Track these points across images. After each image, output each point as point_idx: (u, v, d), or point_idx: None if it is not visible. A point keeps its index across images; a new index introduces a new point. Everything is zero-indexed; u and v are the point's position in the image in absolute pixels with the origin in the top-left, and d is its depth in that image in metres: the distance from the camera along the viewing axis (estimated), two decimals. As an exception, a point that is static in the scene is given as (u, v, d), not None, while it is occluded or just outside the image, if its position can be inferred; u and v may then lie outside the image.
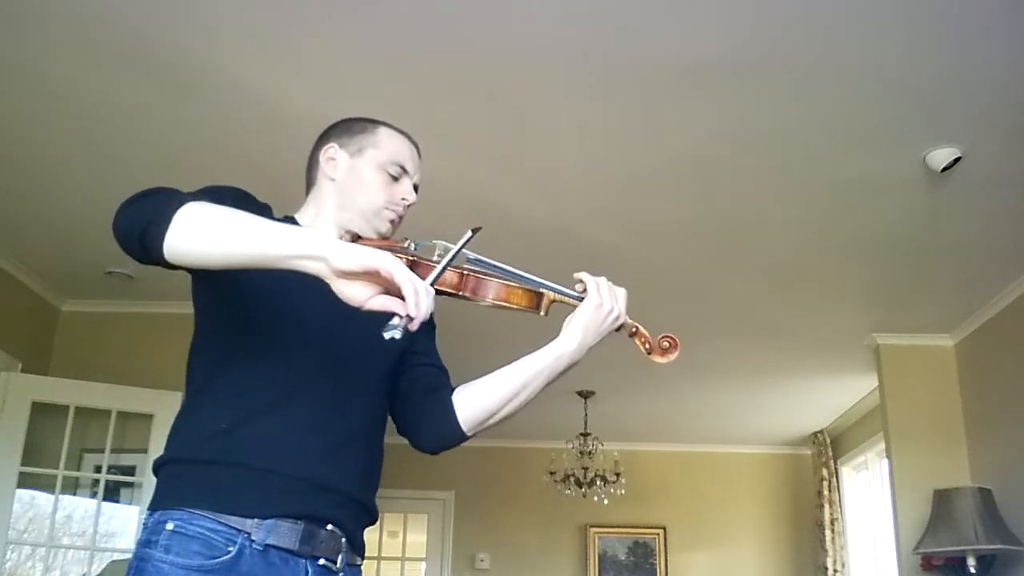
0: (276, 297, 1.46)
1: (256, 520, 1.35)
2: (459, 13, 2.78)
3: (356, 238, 1.53)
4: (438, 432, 1.59)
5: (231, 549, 1.32)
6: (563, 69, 3.03)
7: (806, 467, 7.64)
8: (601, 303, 1.54)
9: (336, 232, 1.59)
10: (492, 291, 1.50)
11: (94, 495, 4.71)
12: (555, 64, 3.00)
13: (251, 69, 3.06)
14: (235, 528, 1.33)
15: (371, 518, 1.53)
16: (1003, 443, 4.68)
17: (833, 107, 3.18)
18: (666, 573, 7.49)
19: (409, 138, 1.69)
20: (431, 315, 1.68)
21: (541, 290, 1.53)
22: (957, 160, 3.40)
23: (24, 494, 4.62)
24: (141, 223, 1.26)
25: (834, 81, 3.04)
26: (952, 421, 5.10)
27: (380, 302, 1.21)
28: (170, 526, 1.33)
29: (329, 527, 1.41)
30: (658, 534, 7.59)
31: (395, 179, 1.62)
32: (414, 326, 1.20)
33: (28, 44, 2.94)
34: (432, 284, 1.30)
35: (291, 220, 1.61)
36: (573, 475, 6.72)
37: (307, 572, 1.38)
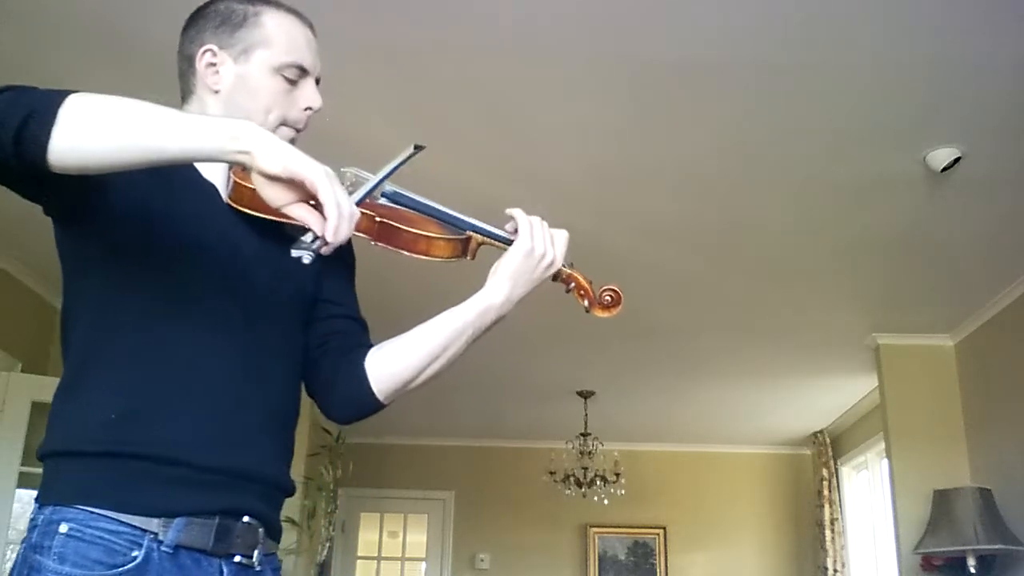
0: (164, 246, 1.24)
1: (163, 519, 1.16)
2: (459, 12, 2.78)
3: None
4: (350, 402, 1.39)
5: (136, 554, 1.13)
6: (563, 69, 3.03)
7: (806, 467, 7.64)
8: (532, 249, 1.35)
9: None
10: (409, 243, 1.33)
11: (94, 495, 4.71)
12: (555, 64, 3.00)
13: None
14: (139, 528, 1.14)
15: (287, 494, 1.35)
16: (1003, 443, 4.68)
17: (833, 107, 3.18)
18: (666, 573, 7.50)
19: (300, 17, 1.39)
20: (350, 254, 1.48)
21: (468, 233, 1.37)
22: (957, 160, 3.40)
23: (24, 494, 4.61)
24: (17, 115, 1.00)
25: (834, 81, 3.04)
26: (952, 421, 5.10)
27: (299, 212, 1.07)
28: (64, 528, 1.13)
29: (246, 519, 1.23)
30: (658, 534, 7.59)
31: (294, 82, 1.34)
32: (327, 250, 1.07)
33: (33, 43, 2.95)
34: (359, 204, 1.18)
35: None
36: (573, 475, 6.72)
37: (222, 572, 1.21)
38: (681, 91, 3.12)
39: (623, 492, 6.77)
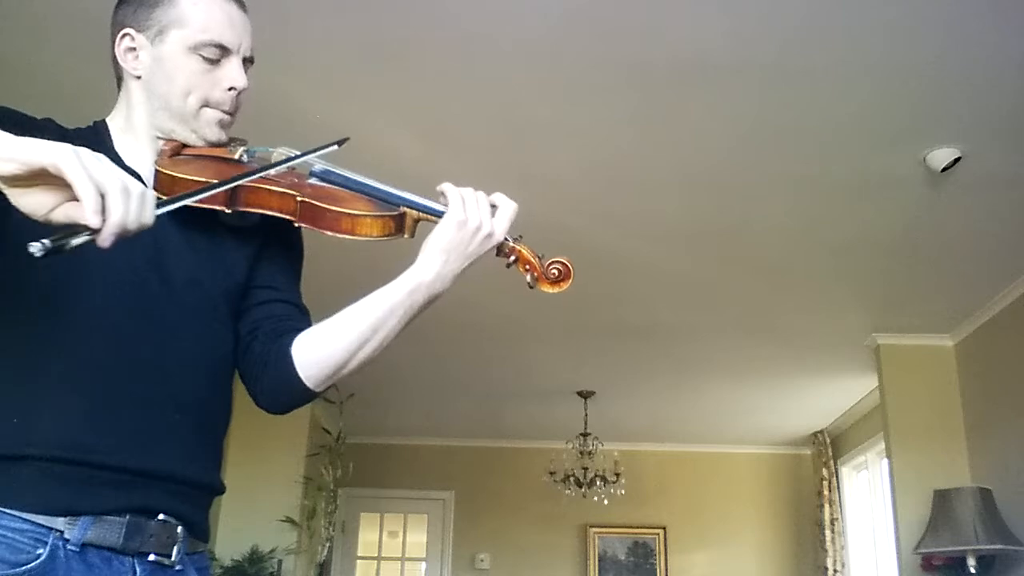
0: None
1: (69, 518, 1.11)
2: (459, 12, 2.78)
3: (180, 149, 1.25)
4: (277, 389, 1.30)
5: (40, 552, 1.09)
6: (563, 69, 3.03)
7: (806, 467, 7.65)
8: (465, 220, 1.27)
9: (151, 142, 1.30)
10: (332, 222, 1.25)
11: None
12: (555, 64, 3.00)
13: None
14: (44, 527, 1.10)
15: (215, 494, 1.28)
16: (1003, 443, 4.68)
17: (833, 107, 3.18)
18: (666, 573, 7.50)
19: None
20: (297, 239, 1.39)
21: (403, 209, 1.28)
22: (957, 160, 3.40)
23: None
24: None
25: (834, 82, 3.04)
26: (952, 421, 5.10)
27: (65, 212, 0.93)
28: None
29: (161, 517, 1.17)
30: (658, 534, 7.59)
31: (214, 62, 1.28)
32: (104, 241, 0.92)
33: (27, 40, 2.95)
34: (251, 182, 1.14)
35: (102, 126, 1.33)
36: (573, 475, 6.72)
37: (135, 571, 1.15)
38: (681, 92, 3.12)
39: (623, 492, 6.77)
